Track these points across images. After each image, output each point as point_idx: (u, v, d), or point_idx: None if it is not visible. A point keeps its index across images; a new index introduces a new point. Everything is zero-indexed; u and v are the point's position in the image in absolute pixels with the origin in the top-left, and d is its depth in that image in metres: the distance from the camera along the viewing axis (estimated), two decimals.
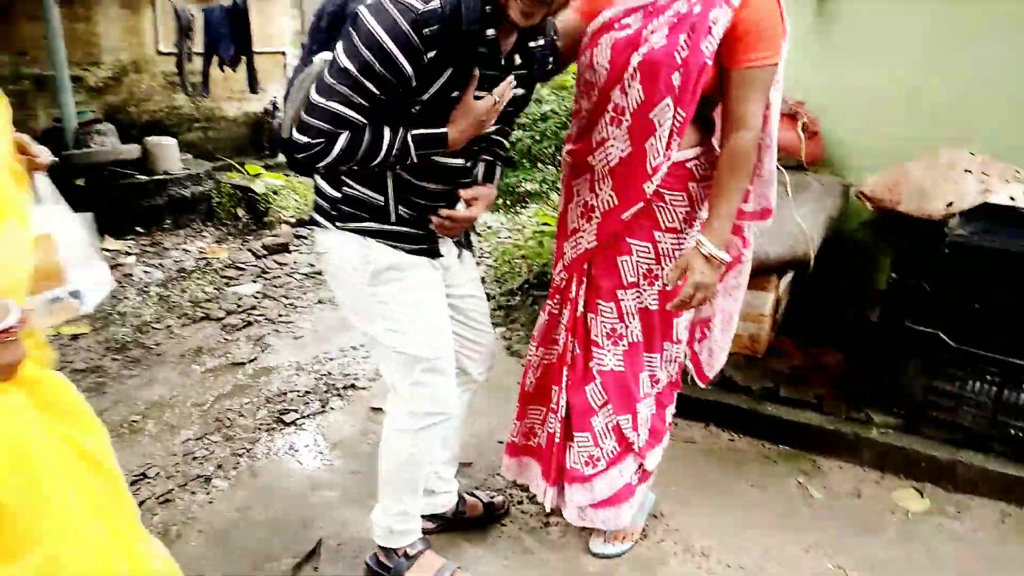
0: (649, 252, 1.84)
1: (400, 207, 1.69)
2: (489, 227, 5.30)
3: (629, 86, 1.70)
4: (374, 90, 1.49)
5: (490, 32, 1.52)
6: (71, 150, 4.63)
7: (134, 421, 2.91)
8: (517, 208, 4.24)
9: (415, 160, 1.60)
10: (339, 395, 3.12)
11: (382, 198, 1.68)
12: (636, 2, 1.73)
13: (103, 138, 4.65)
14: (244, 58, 5.73)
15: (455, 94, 1.56)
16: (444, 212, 1.70)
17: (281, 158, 7.05)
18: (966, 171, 2.82)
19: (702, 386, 2.24)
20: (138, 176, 4.90)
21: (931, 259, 2.48)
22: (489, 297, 4.15)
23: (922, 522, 2.34)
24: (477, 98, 1.58)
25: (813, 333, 3.24)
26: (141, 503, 2.39)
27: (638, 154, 1.75)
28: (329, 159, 1.55)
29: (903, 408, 2.63)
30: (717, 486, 2.50)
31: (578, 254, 1.93)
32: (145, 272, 4.51)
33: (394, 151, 1.56)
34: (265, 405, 3.03)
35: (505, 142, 1.90)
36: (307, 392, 3.14)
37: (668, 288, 1.82)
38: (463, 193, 1.71)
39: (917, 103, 3.17)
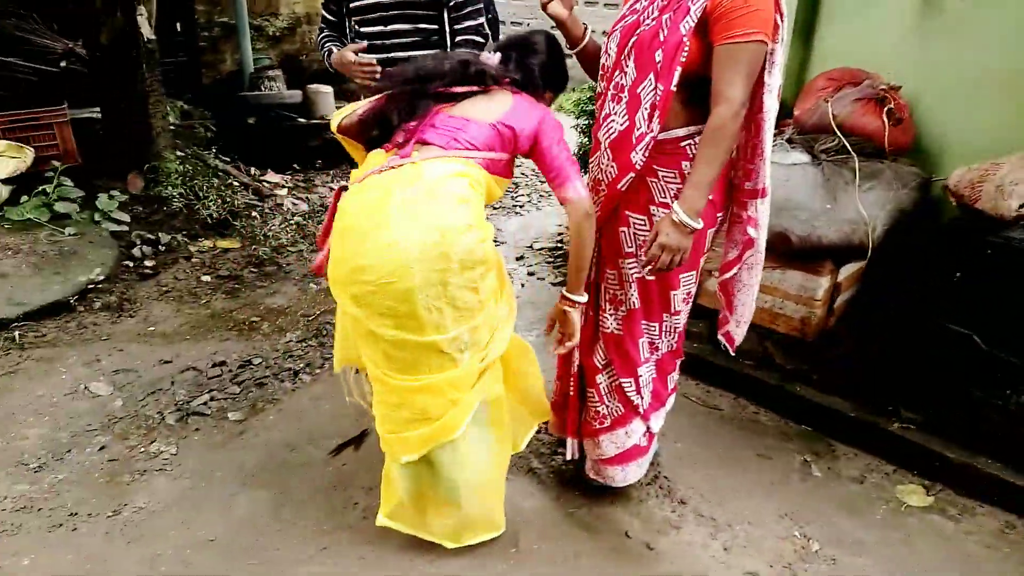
0: (645, 225, 2.01)
1: None
2: None
3: (626, 65, 1.91)
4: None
5: None
6: (246, 92, 5.41)
7: (254, 321, 3.55)
8: None
9: None
10: None
11: None
12: None
13: (272, 83, 5.37)
14: None
15: None
16: None
17: None
18: None
19: (732, 353, 2.34)
20: (299, 119, 5.60)
21: (977, 260, 2.46)
22: None
23: (914, 516, 2.39)
24: None
25: (878, 325, 3.22)
26: (241, 382, 2.99)
27: (631, 127, 1.92)
28: None
29: (931, 407, 2.64)
30: (723, 450, 2.68)
31: None
32: (293, 204, 5.22)
33: None
34: None
35: None
36: None
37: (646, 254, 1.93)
38: None
39: (1022, 97, 3.01)
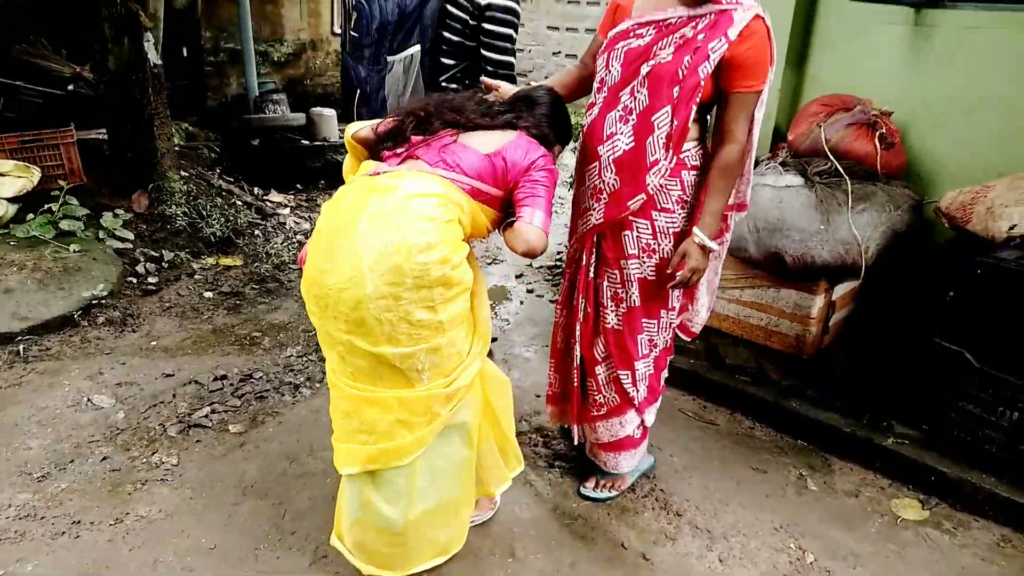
0: (647, 228, 2.15)
1: None
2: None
3: (637, 91, 2.02)
4: None
5: None
6: (251, 115, 5.50)
7: (255, 336, 3.59)
8: None
9: None
10: None
11: None
12: (649, 17, 2.02)
13: (276, 106, 5.47)
14: None
15: None
16: None
17: None
18: None
19: (686, 339, 2.52)
20: (302, 141, 5.69)
21: (968, 280, 2.51)
22: None
23: (910, 529, 2.41)
24: None
25: (872, 343, 3.26)
26: (242, 396, 3.02)
27: (640, 149, 2.05)
28: None
29: (925, 423, 2.67)
30: (719, 463, 2.71)
31: (588, 228, 2.25)
32: (296, 222, 5.28)
33: None
34: None
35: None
36: None
37: (669, 271, 2.12)
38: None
39: (1013, 121, 3.08)
